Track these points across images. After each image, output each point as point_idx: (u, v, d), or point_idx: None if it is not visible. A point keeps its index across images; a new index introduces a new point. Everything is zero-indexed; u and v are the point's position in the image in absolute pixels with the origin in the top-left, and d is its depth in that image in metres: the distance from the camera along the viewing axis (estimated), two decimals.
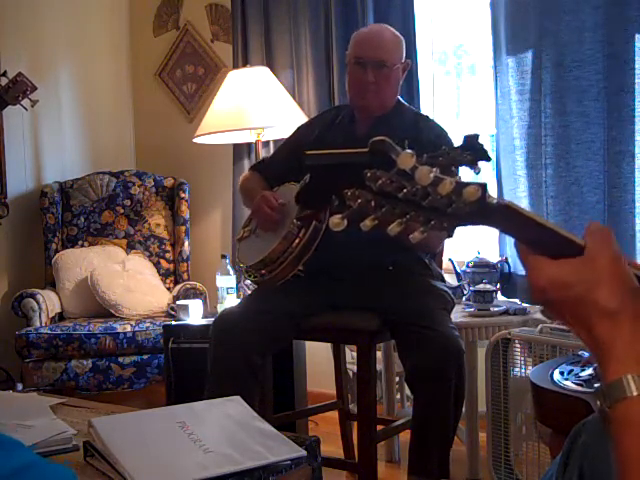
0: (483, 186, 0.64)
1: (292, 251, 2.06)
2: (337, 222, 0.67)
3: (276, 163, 2.40)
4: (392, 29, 2.27)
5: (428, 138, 2.12)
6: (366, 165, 0.65)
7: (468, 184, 0.64)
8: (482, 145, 2.17)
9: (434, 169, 0.64)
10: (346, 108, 2.35)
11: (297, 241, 2.05)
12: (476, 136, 2.13)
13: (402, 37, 2.25)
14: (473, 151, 2.14)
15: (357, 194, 0.65)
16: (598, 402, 0.69)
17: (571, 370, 1.71)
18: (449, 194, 0.63)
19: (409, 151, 0.63)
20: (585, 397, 1.50)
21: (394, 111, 2.24)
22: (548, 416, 1.67)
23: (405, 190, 0.64)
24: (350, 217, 0.66)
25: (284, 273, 2.09)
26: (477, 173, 2.23)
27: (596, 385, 0.71)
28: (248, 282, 2.84)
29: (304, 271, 2.10)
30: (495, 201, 0.66)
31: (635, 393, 0.65)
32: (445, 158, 2.31)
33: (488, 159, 2.20)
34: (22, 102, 2.90)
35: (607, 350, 0.68)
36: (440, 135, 2.18)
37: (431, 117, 2.37)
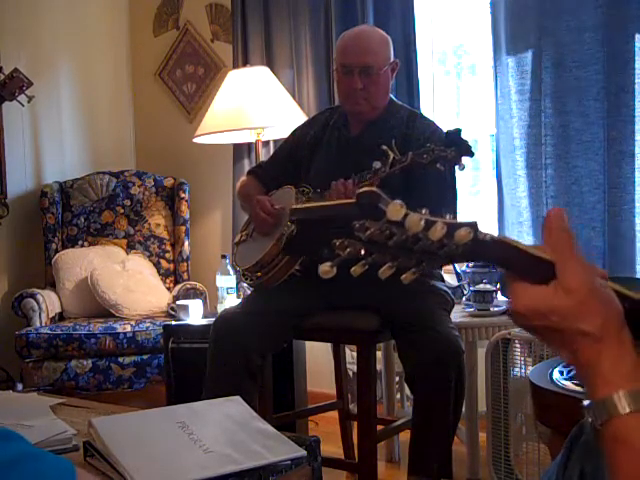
0: (474, 226, 0.63)
1: None
2: (326, 270, 0.66)
3: (273, 167, 2.39)
4: (377, 30, 2.24)
5: (421, 136, 2.12)
6: (354, 217, 0.63)
7: (459, 226, 0.63)
8: (465, 140, 2.18)
9: (424, 212, 0.63)
10: (339, 109, 2.34)
11: None
12: (458, 131, 2.13)
13: (388, 36, 2.22)
14: (457, 147, 2.15)
15: (346, 244, 0.65)
16: (590, 419, 0.68)
17: (570, 370, 1.70)
18: (441, 239, 0.63)
19: (398, 201, 0.62)
20: (584, 397, 1.50)
21: (386, 112, 2.22)
22: (547, 416, 1.66)
23: (395, 238, 0.63)
24: (340, 265, 0.65)
25: (279, 275, 2.10)
26: (462, 169, 2.24)
27: (586, 402, 0.69)
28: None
29: (302, 271, 2.10)
30: (488, 237, 0.65)
31: (627, 410, 0.64)
32: (430, 155, 2.32)
33: (471, 154, 2.20)
34: (18, 98, 2.90)
35: (593, 369, 0.67)
36: (434, 132, 2.16)
37: (425, 114, 2.36)
